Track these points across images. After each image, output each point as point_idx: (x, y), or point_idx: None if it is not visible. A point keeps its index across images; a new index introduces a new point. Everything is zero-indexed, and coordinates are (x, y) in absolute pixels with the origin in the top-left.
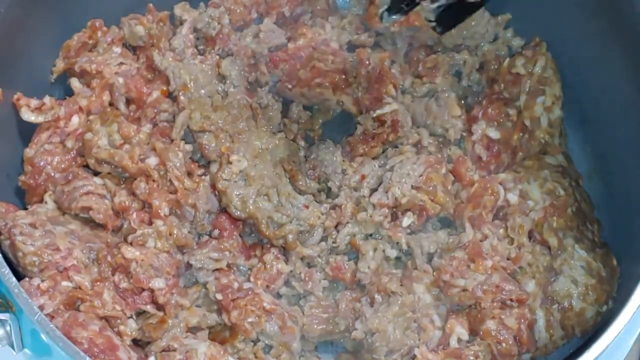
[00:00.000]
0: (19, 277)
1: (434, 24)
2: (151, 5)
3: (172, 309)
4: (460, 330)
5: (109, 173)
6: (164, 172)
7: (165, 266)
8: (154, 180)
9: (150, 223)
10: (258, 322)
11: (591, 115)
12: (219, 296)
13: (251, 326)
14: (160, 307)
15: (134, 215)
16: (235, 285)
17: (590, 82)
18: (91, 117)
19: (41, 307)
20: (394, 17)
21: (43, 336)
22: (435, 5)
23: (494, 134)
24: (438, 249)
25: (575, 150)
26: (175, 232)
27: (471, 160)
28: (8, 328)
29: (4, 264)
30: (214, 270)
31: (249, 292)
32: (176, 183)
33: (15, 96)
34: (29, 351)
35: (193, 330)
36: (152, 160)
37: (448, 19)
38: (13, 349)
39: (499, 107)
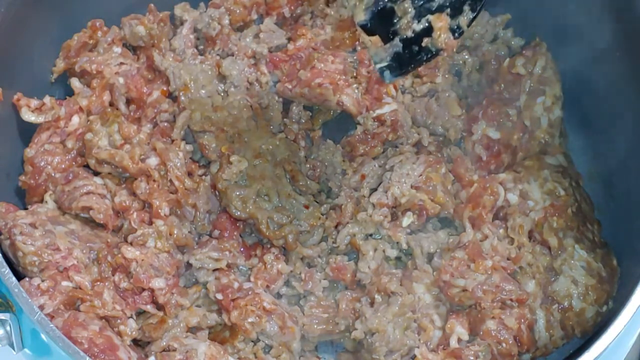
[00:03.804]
0: (19, 277)
1: (385, 67)
2: (152, 5)
3: (172, 309)
4: (460, 330)
5: (109, 173)
6: (164, 172)
7: (165, 266)
8: (154, 180)
9: (151, 223)
10: (258, 322)
11: (591, 116)
12: (219, 296)
13: (251, 326)
14: (160, 307)
15: (134, 215)
16: (236, 285)
17: (590, 82)
18: (91, 117)
19: (41, 307)
20: (398, 77)
21: (43, 336)
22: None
23: (493, 134)
24: (438, 249)
25: (576, 150)
26: (175, 232)
27: (471, 160)
28: (8, 328)
29: (4, 264)
30: (214, 270)
31: (249, 292)
32: (176, 183)
33: (16, 96)
34: (29, 351)
35: (193, 330)
36: (153, 161)
37: (403, 62)
38: (13, 348)
39: (499, 107)
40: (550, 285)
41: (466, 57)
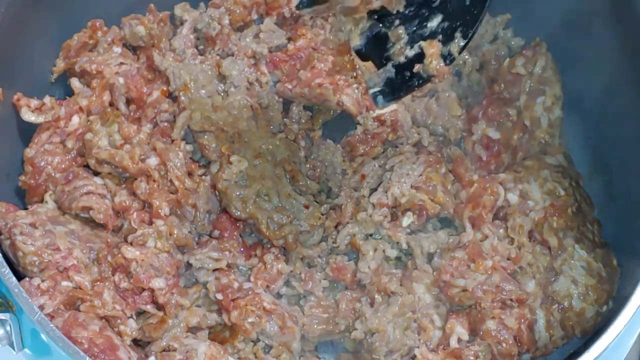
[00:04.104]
0: (19, 277)
1: (378, 91)
2: (152, 5)
3: (172, 309)
4: (460, 330)
5: (109, 173)
6: (164, 172)
7: (165, 266)
8: (154, 180)
9: (151, 223)
10: (258, 322)
11: (591, 116)
12: (219, 296)
13: (251, 326)
14: (160, 307)
15: (134, 215)
16: (236, 285)
17: (590, 82)
18: (91, 118)
19: (41, 307)
20: (390, 102)
21: (43, 336)
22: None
23: (493, 134)
24: (438, 249)
25: (575, 151)
26: (175, 232)
27: (471, 160)
28: (8, 328)
29: (4, 264)
30: (214, 270)
31: (249, 292)
32: (177, 183)
33: (16, 96)
34: (29, 351)
35: (193, 330)
36: (153, 161)
37: (395, 87)
38: (13, 348)
39: (499, 107)
40: (550, 285)
41: (466, 57)
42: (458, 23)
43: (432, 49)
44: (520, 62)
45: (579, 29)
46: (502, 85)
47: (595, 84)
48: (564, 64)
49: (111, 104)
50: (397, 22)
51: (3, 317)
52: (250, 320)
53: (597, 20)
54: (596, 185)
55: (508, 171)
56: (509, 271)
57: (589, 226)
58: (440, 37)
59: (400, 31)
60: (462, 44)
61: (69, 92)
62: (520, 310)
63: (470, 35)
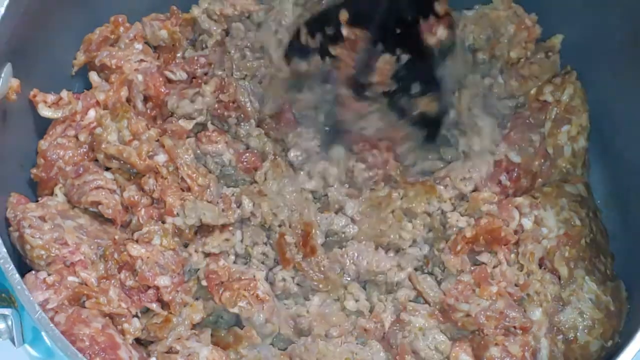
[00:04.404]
0: (27, 269)
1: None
2: (174, 7)
3: (177, 307)
4: (464, 357)
5: (119, 168)
6: (173, 169)
7: (170, 264)
8: (162, 177)
9: (160, 218)
10: (248, 309)
11: (611, 146)
12: (204, 282)
13: (239, 310)
14: (164, 305)
15: (142, 212)
16: (233, 269)
17: (612, 113)
18: (102, 112)
19: (45, 301)
20: None
21: (43, 334)
22: None
23: (515, 157)
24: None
25: (593, 179)
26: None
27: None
28: (10, 322)
29: (9, 260)
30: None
31: (246, 277)
32: (189, 181)
33: (32, 92)
34: (30, 347)
35: (197, 327)
36: (161, 158)
37: None
38: (14, 343)
39: (523, 131)
40: (557, 315)
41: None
42: None
43: None
44: (548, 89)
45: (607, 60)
46: (529, 110)
47: (617, 115)
48: (589, 95)
49: (128, 100)
50: None
51: (5, 312)
52: (240, 304)
53: (625, 51)
54: (613, 215)
55: (525, 195)
56: (515, 298)
57: (602, 258)
58: None
59: None
60: None
61: (88, 86)
62: (524, 338)
63: None
